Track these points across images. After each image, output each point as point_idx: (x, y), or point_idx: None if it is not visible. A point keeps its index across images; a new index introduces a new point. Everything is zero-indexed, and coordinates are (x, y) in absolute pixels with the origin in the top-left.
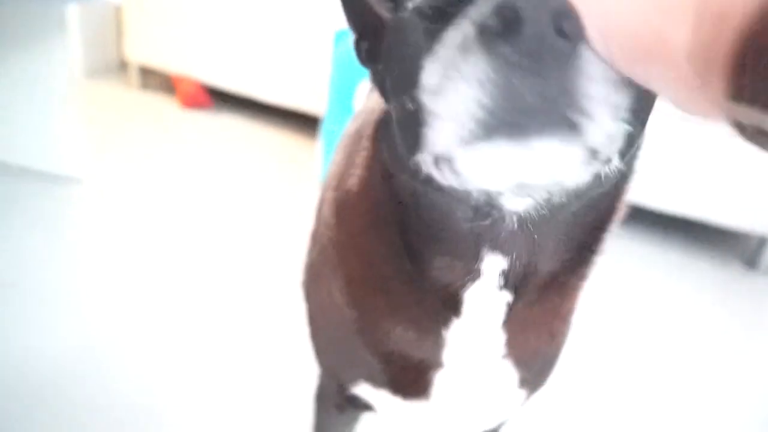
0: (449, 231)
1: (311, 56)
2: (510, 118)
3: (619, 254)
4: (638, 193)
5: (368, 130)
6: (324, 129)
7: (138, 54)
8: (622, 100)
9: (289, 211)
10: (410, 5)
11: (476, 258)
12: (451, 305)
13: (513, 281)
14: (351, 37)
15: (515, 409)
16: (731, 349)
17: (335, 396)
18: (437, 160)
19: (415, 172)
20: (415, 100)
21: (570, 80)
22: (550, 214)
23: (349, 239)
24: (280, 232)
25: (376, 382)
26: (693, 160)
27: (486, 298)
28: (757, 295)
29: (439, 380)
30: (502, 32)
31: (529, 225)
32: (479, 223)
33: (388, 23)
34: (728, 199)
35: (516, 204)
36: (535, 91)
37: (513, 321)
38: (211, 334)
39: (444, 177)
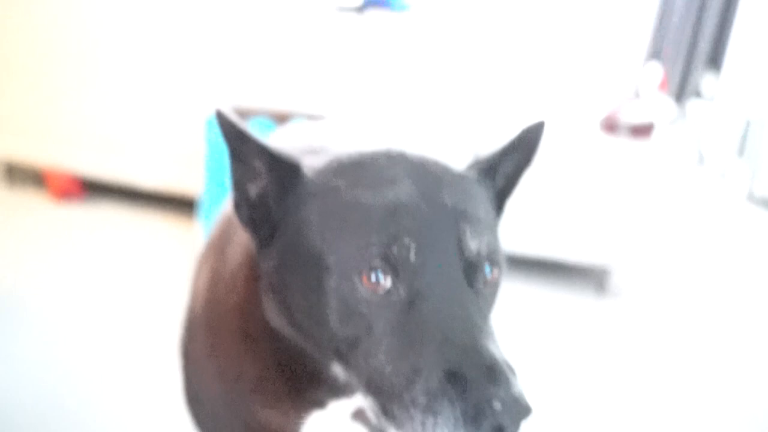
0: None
1: (183, 141)
2: None
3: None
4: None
5: (240, 257)
6: (203, 209)
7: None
8: None
9: (176, 291)
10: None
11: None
12: (317, 404)
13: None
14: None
15: None
16: (590, 360)
17: None
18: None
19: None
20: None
21: None
22: None
23: (220, 341)
24: (169, 311)
25: None
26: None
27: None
28: (607, 314)
29: None
30: None
31: None
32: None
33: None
34: (576, 240)
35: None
36: None
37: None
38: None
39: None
